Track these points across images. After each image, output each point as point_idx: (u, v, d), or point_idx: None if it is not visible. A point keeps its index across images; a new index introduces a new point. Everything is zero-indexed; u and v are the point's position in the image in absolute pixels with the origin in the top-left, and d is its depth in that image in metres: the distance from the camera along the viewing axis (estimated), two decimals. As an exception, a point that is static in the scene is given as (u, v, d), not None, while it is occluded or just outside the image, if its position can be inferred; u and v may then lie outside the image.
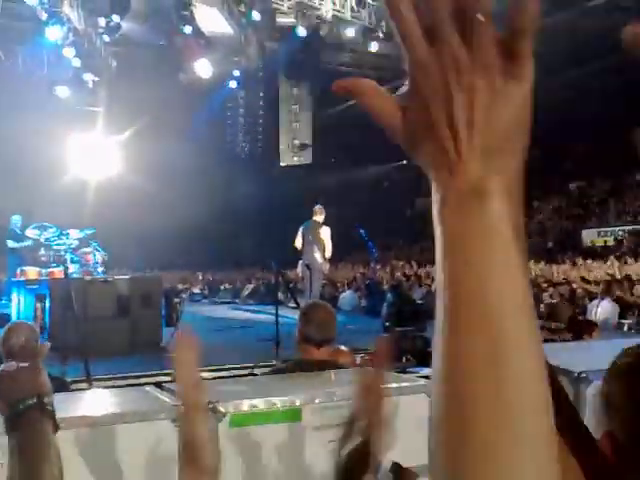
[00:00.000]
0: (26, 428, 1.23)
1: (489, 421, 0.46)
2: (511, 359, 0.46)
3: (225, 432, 2.34)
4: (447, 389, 0.48)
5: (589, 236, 19.29)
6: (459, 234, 0.49)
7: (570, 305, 10.24)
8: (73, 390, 5.87)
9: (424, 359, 7.21)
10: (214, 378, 5.87)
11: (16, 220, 11.16)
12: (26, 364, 1.32)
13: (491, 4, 0.50)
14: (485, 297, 0.47)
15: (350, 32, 18.24)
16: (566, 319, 4.29)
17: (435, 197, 0.51)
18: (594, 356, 2.89)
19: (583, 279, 13.24)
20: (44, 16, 14.84)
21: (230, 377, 6.13)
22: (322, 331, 3.57)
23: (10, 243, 10.94)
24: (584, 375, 2.61)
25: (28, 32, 15.79)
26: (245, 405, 2.42)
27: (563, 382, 2.52)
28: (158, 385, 2.98)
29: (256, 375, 6.35)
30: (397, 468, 1.30)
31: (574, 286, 12.77)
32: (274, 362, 7.32)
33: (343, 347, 5.44)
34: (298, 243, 11.15)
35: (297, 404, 2.49)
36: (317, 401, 2.50)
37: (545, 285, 12.87)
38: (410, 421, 2.49)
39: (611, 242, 18.64)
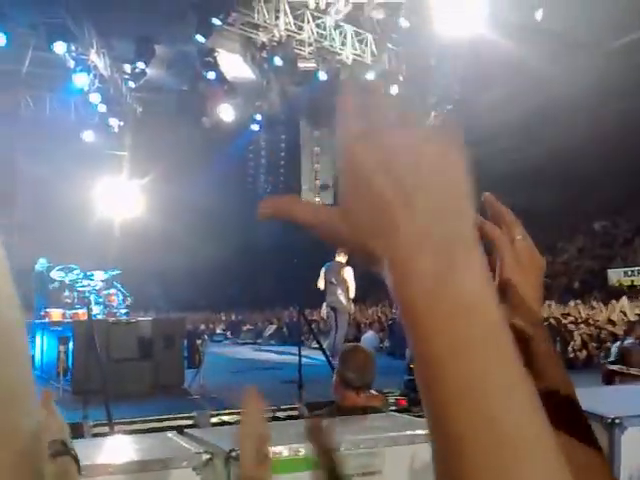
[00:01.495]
0: (57, 474, 1.19)
1: None
2: (510, 450, 0.41)
3: None
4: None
5: (615, 276, 19.00)
6: (430, 316, 0.43)
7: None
8: (94, 434, 5.84)
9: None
10: (236, 422, 5.80)
11: (42, 263, 11.29)
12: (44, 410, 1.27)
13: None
14: (470, 387, 0.42)
15: (370, 75, 18.48)
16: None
17: (395, 290, 0.45)
18: (629, 401, 2.79)
19: (610, 320, 12.99)
20: (72, 64, 15.25)
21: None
22: (362, 376, 3.52)
23: (35, 285, 11.05)
24: (618, 421, 2.53)
25: (56, 79, 16.23)
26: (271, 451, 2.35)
27: (596, 428, 2.44)
28: (180, 431, 2.95)
29: (279, 418, 6.26)
30: None
31: (601, 327, 12.53)
32: (297, 405, 7.24)
33: (373, 391, 5.34)
34: (321, 284, 11.11)
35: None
36: (342, 449, 2.45)
37: (572, 326, 12.64)
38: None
39: (638, 282, 18.33)
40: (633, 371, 4.21)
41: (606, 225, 21.53)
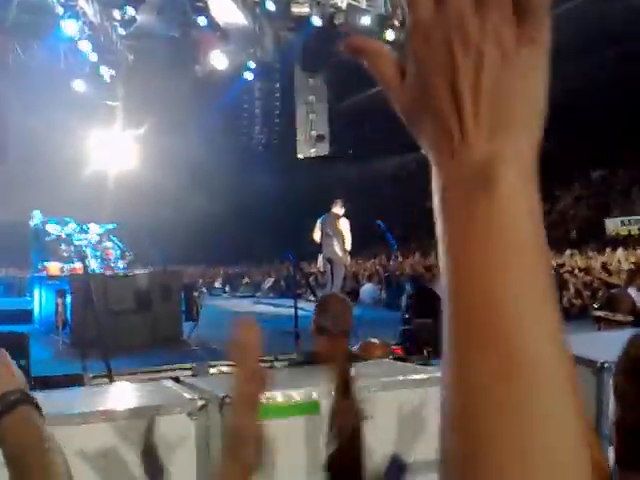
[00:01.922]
0: (21, 422, 1.17)
1: (505, 446, 0.39)
2: (530, 378, 0.39)
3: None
4: (458, 404, 0.41)
5: (613, 225, 19.02)
6: (463, 230, 0.42)
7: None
8: (95, 385, 5.91)
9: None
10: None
11: (37, 215, 11.23)
12: None
13: None
14: (496, 308, 0.40)
15: (365, 20, 18.07)
16: (628, 309, 4.16)
17: (435, 185, 0.43)
18: (618, 346, 2.82)
19: (605, 268, 13.07)
20: (60, 10, 14.87)
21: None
22: (337, 323, 3.49)
23: (32, 239, 11.02)
24: (607, 365, 2.56)
25: (44, 26, 15.84)
26: (263, 398, 2.37)
27: (585, 373, 2.49)
28: (176, 379, 2.97)
29: (276, 368, 6.35)
30: (397, 463, 1.26)
31: (597, 276, 12.62)
32: (294, 355, 7.34)
33: (375, 340, 5.38)
34: (316, 236, 11.10)
35: (315, 397, 2.47)
36: (334, 394, 2.53)
37: (568, 275, 12.72)
38: (431, 412, 2.48)
39: (635, 231, 18.36)
40: (618, 317, 4.24)
41: (603, 174, 21.46)
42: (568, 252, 15.65)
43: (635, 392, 0.86)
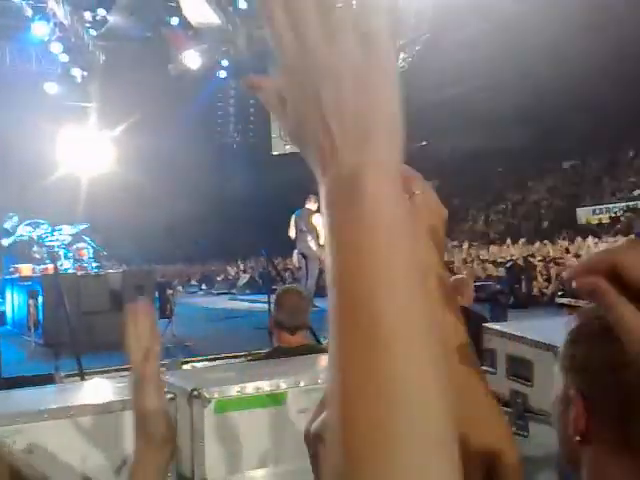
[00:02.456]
0: None
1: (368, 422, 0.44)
2: (390, 345, 0.44)
3: (211, 418, 2.38)
4: (332, 375, 0.47)
5: (584, 214, 19.27)
6: (339, 233, 0.48)
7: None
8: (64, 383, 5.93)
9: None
10: (205, 367, 5.94)
11: (9, 218, 11.20)
12: None
13: None
14: (366, 280, 0.45)
15: (337, 16, 18.13)
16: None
17: (320, 192, 0.50)
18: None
19: (576, 257, 13.27)
20: (29, 12, 14.81)
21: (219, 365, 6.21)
22: (294, 317, 3.57)
23: (3, 241, 10.98)
24: None
25: (14, 29, 15.73)
26: (230, 391, 2.44)
27: (547, 357, 2.59)
28: None
29: (240, 363, 6.42)
30: None
31: (568, 265, 12.80)
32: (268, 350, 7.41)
33: None
34: (291, 232, 11.15)
35: (282, 388, 2.50)
36: (301, 384, 2.51)
37: (541, 264, 12.90)
38: None
39: (606, 220, 18.64)
40: (581, 303, 4.35)
41: (575, 164, 21.71)
42: (540, 242, 15.84)
43: (600, 357, 0.87)
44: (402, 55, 19.17)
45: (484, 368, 4.99)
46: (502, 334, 3.14)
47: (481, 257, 15.92)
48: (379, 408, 0.43)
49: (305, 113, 0.49)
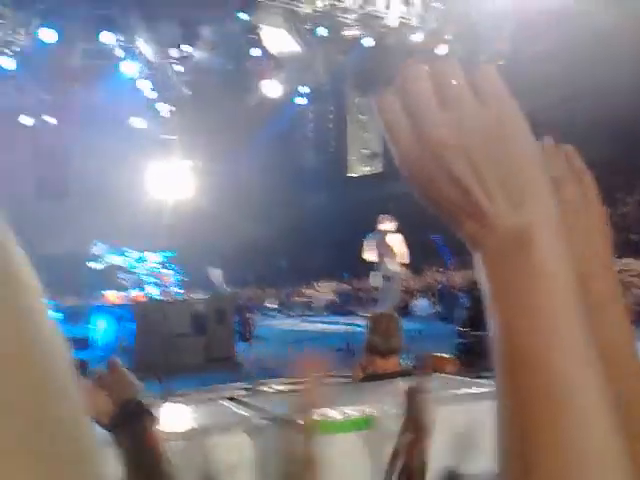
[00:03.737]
0: (140, 428, 1.24)
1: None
2: (568, 402, 0.45)
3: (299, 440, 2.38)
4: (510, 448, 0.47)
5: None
6: (509, 289, 0.47)
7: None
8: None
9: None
10: (289, 390, 6.00)
11: (98, 245, 11.75)
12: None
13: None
14: (543, 353, 0.45)
15: (417, 37, 18.07)
16: None
17: (475, 256, 0.49)
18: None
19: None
20: (120, 53, 15.60)
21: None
22: (387, 341, 3.59)
23: (91, 264, 11.52)
24: None
25: (105, 69, 16.63)
26: (317, 415, 2.46)
27: None
28: (232, 399, 3.04)
29: (332, 385, 6.41)
30: (453, 475, 1.33)
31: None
32: (350, 373, 7.40)
33: (437, 353, 5.38)
34: (367, 255, 11.12)
35: (367, 412, 2.51)
36: (387, 409, 2.50)
37: (631, 280, 12.26)
38: (487, 427, 2.41)
39: None
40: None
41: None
42: (631, 257, 15.04)
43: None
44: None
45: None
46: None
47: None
48: (565, 465, 0.44)
49: (439, 188, 0.49)
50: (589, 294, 0.69)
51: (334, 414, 2.46)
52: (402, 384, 3.19)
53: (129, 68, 15.87)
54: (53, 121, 17.43)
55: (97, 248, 11.46)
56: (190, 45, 17.09)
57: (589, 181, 0.79)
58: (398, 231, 11.13)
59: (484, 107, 0.48)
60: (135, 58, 16.18)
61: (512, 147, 0.48)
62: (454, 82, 0.49)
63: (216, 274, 13.04)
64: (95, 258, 11.39)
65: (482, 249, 0.48)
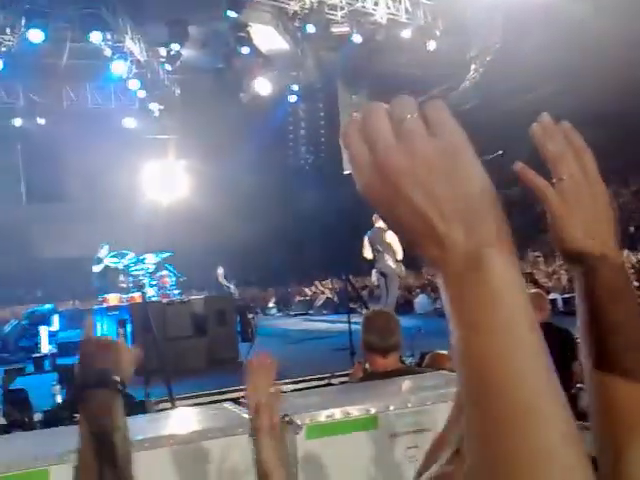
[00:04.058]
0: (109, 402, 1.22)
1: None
2: (525, 426, 0.47)
3: (302, 444, 2.37)
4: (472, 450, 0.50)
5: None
6: (465, 308, 0.50)
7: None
8: (158, 411, 6.07)
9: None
10: (292, 390, 5.95)
11: (101, 247, 11.61)
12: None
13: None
14: (494, 369, 0.49)
15: (406, 33, 18.07)
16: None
17: (438, 281, 0.53)
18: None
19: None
20: (108, 52, 15.48)
21: (307, 389, 6.18)
22: (385, 338, 3.49)
23: (94, 268, 11.41)
24: None
25: (94, 69, 16.50)
26: (321, 416, 2.43)
27: None
28: (236, 401, 3.03)
29: (333, 385, 6.37)
30: None
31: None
32: (350, 371, 7.34)
33: (442, 351, 5.35)
34: (367, 253, 11.09)
35: (372, 412, 2.49)
36: (392, 408, 2.49)
37: (631, 272, 12.31)
38: None
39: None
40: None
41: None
42: (628, 249, 15.14)
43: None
44: (473, 66, 18.91)
45: (580, 385, 4.75)
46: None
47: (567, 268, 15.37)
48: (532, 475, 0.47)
49: (399, 214, 0.53)
50: (600, 277, 0.74)
51: (336, 414, 2.44)
52: (405, 381, 3.17)
53: (119, 68, 15.74)
54: (42, 122, 17.23)
55: (102, 249, 11.29)
56: (179, 44, 16.99)
57: (589, 158, 0.80)
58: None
59: (435, 138, 0.52)
60: (124, 57, 16.04)
61: (462, 175, 0.51)
62: (409, 116, 0.53)
63: (223, 274, 13.12)
64: (100, 259, 11.25)
65: (441, 271, 0.52)
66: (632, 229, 18.46)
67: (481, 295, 0.49)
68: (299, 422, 2.34)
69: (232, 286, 13.31)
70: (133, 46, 15.91)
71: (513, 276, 0.50)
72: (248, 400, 1.32)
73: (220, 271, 13.30)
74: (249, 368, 1.33)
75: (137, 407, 6.11)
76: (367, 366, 3.74)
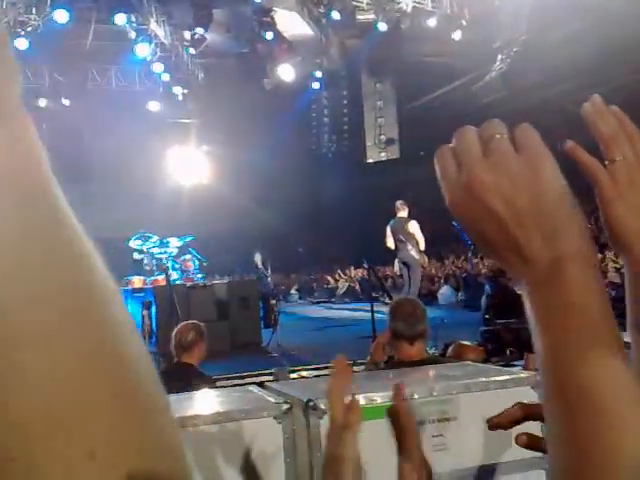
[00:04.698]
0: None
1: None
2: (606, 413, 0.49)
3: (326, 429, 2.36)
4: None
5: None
6: (546, 316, 0.52)
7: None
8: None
9: (528, 351, 6.98)
10: (315, 377, 5.95)
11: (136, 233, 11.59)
12: None
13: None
14: (577, 379, 0.50)
15: (432, 22, 17.89)
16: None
17: (520, 290, 0.55)
18: None
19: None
20: (133, 34, 15.48)
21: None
22: (411, 326, 3.49)
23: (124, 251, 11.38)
24: None
25: (119, 51, 16.52)
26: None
27: None
28: (260, 385, 3.01)
29: (356, 372, 6.36)
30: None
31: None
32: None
33: (466, 342, 5.35)
34: (390, 243, 11.05)
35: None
36: (416, 396, 2.48)
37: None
38: None
39: None
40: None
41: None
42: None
43: None
44: (499, 57, 18.71)
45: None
46: None
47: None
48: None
49: (483, 228, 0.55)
50: None
51: (361, 400, 2.43)
52: (430, 370, 3.15)
53: (143, 50, 15.73)
54: (67, 103, 17.29)
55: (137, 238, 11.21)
56: (203, 28, 16.94)
57: (608, 139, 0.78)
58: (411, 217, 11.06)
59: (519, 154, 0.55)
60: (149, 40, 16.03)
61: (544, 187, 0.53)
62: (497, 136, 0.56)
63: (260, 259, 13.23)
64: (124, 243, 11.24)
65: (523, 281, 0.54)
66: None
67: (560, 305, 0.51)
68: (323, 407, 2.33)
69: (269, 273, 13.38)
70: (158, 29, 15.91)
71: (591, 286, 0.52)
72: (332, 396, 1.28)
73: (258, 257, 13.40)
74: (336, 366, 1.29)
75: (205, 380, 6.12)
76: (394, 354, 3.72)
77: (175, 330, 4.77)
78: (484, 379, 2.69)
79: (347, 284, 18.01)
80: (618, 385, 0.49)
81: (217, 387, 5.66)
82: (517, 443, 0.79)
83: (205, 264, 11.39)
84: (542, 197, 0.53)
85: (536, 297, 0.53)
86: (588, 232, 0.54)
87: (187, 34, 17.09)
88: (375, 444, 2.37)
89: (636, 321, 0.75)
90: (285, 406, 2.38)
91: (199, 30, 16.86)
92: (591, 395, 0.48)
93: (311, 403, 2.32)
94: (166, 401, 0.38)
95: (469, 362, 3.58)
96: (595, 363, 0.49)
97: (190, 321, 5.43)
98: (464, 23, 17.75)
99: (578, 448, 0.48)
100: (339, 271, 20.18)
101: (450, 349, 5.87)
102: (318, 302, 17.95)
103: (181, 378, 4.32)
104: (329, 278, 20.10)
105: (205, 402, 2.92)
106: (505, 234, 0.53)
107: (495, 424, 0.85)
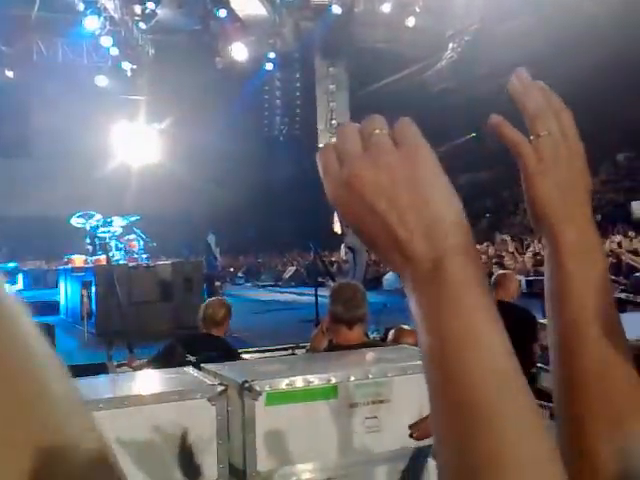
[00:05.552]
0: None
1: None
2: (485, 430, 0.49)
3: (262, 410, 2.40)
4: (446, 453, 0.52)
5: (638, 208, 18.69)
6: (428, 314, 0.52)
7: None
8: (118, 373, 6.02)
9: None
10: (257, 359, 5.96)
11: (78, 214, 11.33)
12: None
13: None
14: (454, 363, 0.50)
15: (386, 7, 17.95)
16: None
17: (405, 288, 0.55)
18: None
19: (631, 251, 12.88)
20: (81, 7, 15.07)
21: (271, 357, 6.21)
22: (350, 309, 3.48)
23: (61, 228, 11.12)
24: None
25: (66, 23, 16.06)
26: (282, 384, 2.45)
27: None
28: (197, 366, 3.05)
29: (296, 355, 6.41)
30: None
31: (622, 258, 12.45)
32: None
33: (407, 326, 5.41)
34: (337, 227, 11.13)
35: (332, 382, 2.51)
36: (352, 379, 2.51)
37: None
38: None
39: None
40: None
41: (630, 156, 21.11)
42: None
43: None
44: (451, 45, 18.89)
45: (540, 365, 4.83)
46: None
47: (533, 251, 15.61)
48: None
49: (365, 224, 0.54)
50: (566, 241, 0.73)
51: (296, 382, 2.46)
52: (367, 353, 3.20)
53: (92, 23, 15.32)
54: (10, 75, 16.72)
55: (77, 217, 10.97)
56: (154, 2, 16.61)
57: (568, 118, 0.76)
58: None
59: (398, 148, 0.54)
60: (98, 13, 15.62)
61: (424, 183, 0.53)
62: (377, 131, 0.55)
63: (214, 241, 13.13)
64: (66, 220, 10.99)
65: (406, 278, 0.53)
66: (599, 217, 18.83)
67: (441, 299, 0.51)
68: (258, 388, 2.35)
69: (218, 256, 13.29)
70: (107, 1, 15.53)
71: (474, 281, 0.52)
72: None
73: (212, 238, 13.30)
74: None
75: (99, 369, 6.06)
76: (332, 339, 3.74)
77: (205, 304, 4.72)
78: (420, 362, 2.74)
79: (294, 268, 18.04)
80: (498, 383, 0.49)
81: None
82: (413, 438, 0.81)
83: (151, 245, 11.24)
84: (420, 192, 0.53)
85: (419, 295, 0.52)
86: (467, 224, 0.54)
87: (137, 8, 16.72)
88: (312, 424, 2.42)
89: (550, 296, 0.75)
90: (219, 388, 2.38)
91: (150, 5, 16.52)
92: (471, 394, 0.49)
93: (246, 385, 2.33)
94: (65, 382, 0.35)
95: (406, 345, 3.63)
96: (476, 361, 0.50)
97: (218, 297, 5.50)
98: (417, 10, 17.85)
99: (457, 449, 0.49)
100: (287, 255, 20.19)
101: (390, 333, 5.94)
102: (264, 286, 17.90)
103: (214, 348, 4.36)
104: (277, 262, 20.09)
105: (141, 383, 2.91)
106: (386, 232, 0.53)
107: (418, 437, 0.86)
